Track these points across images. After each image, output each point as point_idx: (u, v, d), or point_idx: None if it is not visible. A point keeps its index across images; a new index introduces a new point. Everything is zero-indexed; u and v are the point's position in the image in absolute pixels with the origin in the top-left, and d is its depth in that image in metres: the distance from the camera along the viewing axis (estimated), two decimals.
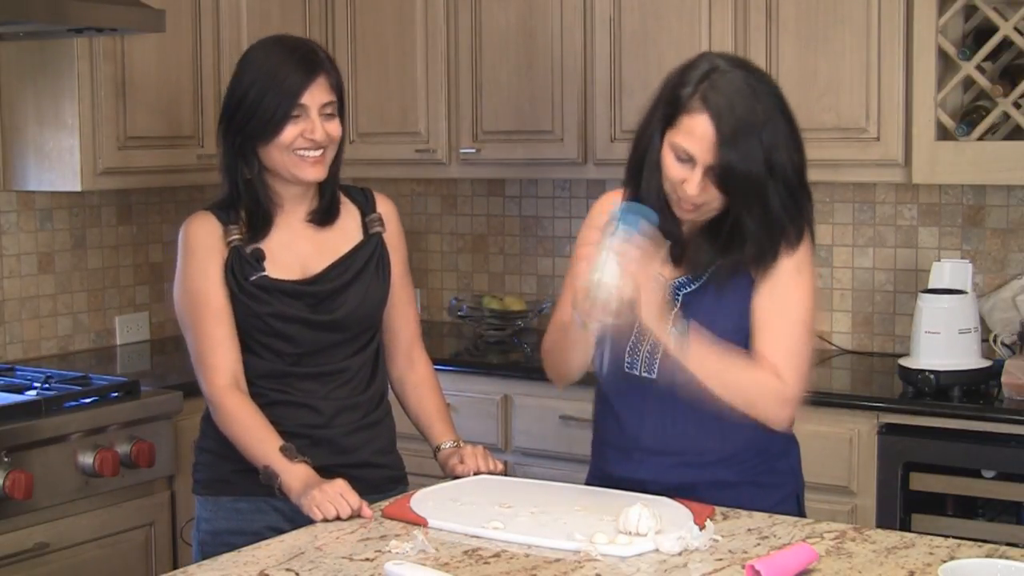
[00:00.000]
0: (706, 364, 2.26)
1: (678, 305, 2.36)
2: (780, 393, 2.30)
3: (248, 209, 2.56)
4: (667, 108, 2.30)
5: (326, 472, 2.41)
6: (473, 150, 4.29)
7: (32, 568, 3.18)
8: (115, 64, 3.82)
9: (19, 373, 3.64)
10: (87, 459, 3.27)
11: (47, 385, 3.46)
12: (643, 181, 2.36)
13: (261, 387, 2.55)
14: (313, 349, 2.56)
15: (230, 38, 4.16)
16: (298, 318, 2.53)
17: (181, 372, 4.13)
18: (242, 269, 2.53)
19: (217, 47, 4.14)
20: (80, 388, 3.45)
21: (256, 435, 2.46)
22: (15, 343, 4.00)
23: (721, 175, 2.24)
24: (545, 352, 2.51)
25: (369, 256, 2.63)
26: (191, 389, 3.60)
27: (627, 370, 2.37)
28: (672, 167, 2.29)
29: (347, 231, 2.64)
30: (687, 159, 2.26)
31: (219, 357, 2.51)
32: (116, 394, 3.46)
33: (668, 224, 2.36)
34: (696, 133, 2.25)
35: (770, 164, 2.24)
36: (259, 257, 2.54)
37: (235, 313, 2.53)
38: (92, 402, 3.39)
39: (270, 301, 2.52)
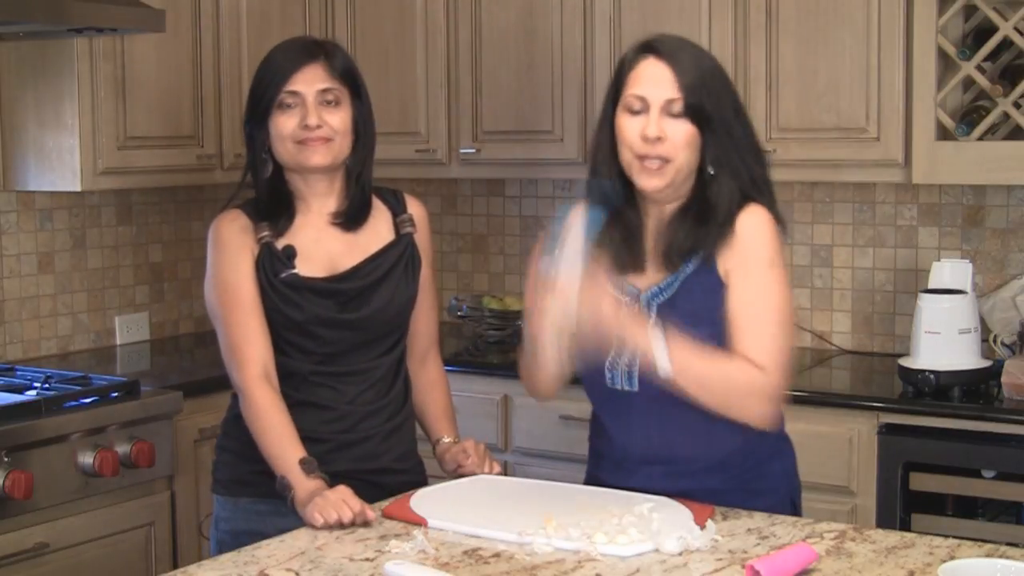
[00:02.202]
0: (686, 366, 2.21)
1: (653, 316, 2.30)
2: (762, 387, 2.25)
3: (269, 205, 2.56)
4: (614, 87, 2.33)
5: (348, 477, 2.40)
6: (473, 150, 4.29)
7: (32, 568, 3.18)
8: (115, 64, 3.82)
9: (19, 373, 3.64)
10: (87, 459, 3.27)
11: (47, 385, 3.46)
12: (596, 178, 2.35)
13: (287, 388, 2.52)
14: (340, 349, 2.55)
15: (230, 38, 4.17)
16: (326, 317, 2.52)
17: (181, 372, 4.15)
18: (272, 266, 2.52)
19: (217, 47, 4.14)
20: (80, 388, 3.45)
21: (279, 441, 2.43)
22: (15, 343, 4.00)
23: (690, 94, 2.24)
24: (522, 374, 2.44)
25: (399, 256, 2.62)
26: (191, 389, 3.62)
27: (608, 385, 2.34)
28: (627, 128, 2.28)
29: (378, 231, 2.63)
30: (640, 108, 2.27)
31: (251, 349, 2.49)
32: (116, 394, 3.46)
33: (632, 226, 2.35)
34: (646, 75, 2.27)
35: (735, 107, 2.30)
36: (291, 254, 2.53)
37: (264, 311, 2.52)
38: (92, 402, 3.39)
39: (299, 300, 2.51)
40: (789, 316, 2.32)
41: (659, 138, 2.25)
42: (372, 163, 2.63)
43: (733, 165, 2.29)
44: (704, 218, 2.30)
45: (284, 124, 2.50)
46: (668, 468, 2.36)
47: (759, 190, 2.33)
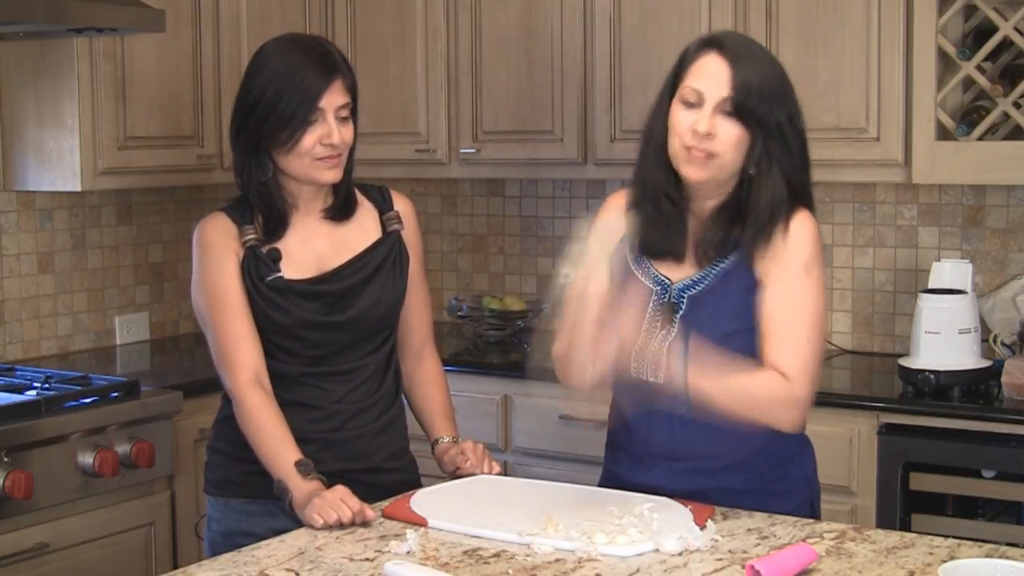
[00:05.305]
0: (705, 388, 2.23)
1: (683, 308, 2.34)
2: (786, 397, 2.26)
3: (263, 212, 2.53)
4: (674, 75, 2.33)
5: (338, 477, 2.39)
6: (473, 150, 4.29)
7: (32, 568, 3.18)
8: (115, 64, 3.82)
9: (19, 373, 3.64)
10: (87, 459, 3.27)
11: (47, 385, 3.46)
12: (646, 164, 2.36)
13: (275, 389, 2.50)
14: (328, 351, 2.54)
15: (230, 38, 4.17)
16: (312, 320, 2.51)
17: (181, 372, 4.16)
18: (258, 270, 2.50)
19: (217, 47, 4.14)
20: (80, 388, 3.45)
21: (273, 445, 2.42)
22: (15, 343, 4.00)
23: (741, 95, 2.24)
24: (557, 360, 2.40)
25: (387, 254, 2.60)
26: (191, 389, 3.62)
27: (634, 374, 2.32)
28: (680, 120, 2.28)
29: (365, 228, 2.61)
30: (696, 102, 2.26)
31: (241, 352, 2.47)
32: (116, 394, 3.46)
33: (673, 219, 2.36)
34: (705, 70, 2.27)
35: (790, 114, 2.29)
36: (275, 258, 2.52)
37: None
38: (92, 402, 3.39)
39: (285, 304, 2.50)
40: (821, 321, 2.34)
41: (709, 134, 2.26)
42: (355, 159, 2.61)
43: (776, 170, 2.28)
44: (741, 217, 2.31)
45: (307, 141, 2.46)
46: (687, 465, 2.35)
47: (801, 198, 2.34)
